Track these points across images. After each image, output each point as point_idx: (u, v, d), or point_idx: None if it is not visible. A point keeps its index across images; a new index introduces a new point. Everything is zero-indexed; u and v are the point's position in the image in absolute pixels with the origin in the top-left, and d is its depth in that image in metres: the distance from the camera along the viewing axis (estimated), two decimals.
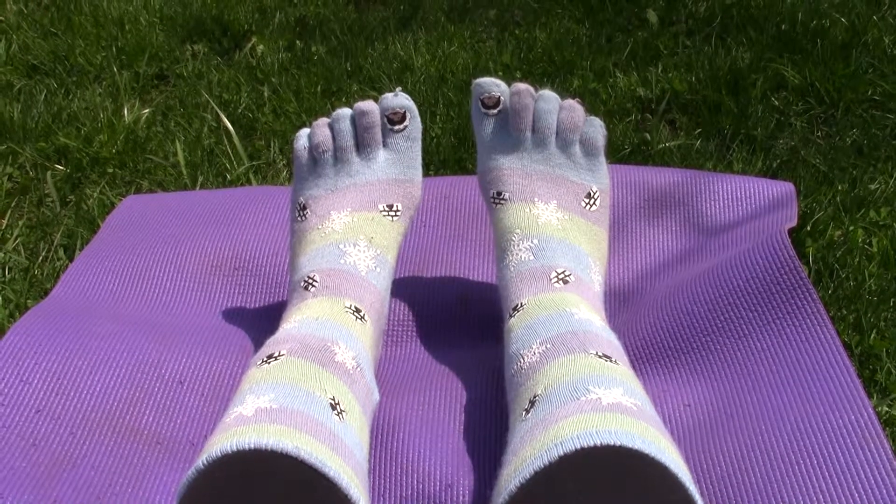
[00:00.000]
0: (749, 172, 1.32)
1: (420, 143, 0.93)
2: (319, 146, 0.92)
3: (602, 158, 0.91)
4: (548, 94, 0.90)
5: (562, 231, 0.88)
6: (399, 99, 0.91)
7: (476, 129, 0.93)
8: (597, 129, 0.90)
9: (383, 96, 0.92)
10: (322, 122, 0.93)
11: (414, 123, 0.92)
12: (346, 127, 0.91)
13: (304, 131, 0.94)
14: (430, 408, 0.84)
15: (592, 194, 0.91)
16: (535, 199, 0.90)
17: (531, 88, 0.90)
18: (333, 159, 0.92)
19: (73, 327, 0.94)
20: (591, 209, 0.91)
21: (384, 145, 0.92)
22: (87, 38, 1.89)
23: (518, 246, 0.88)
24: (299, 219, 0.92)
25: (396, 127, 0.91)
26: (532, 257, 0.87)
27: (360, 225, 0.90)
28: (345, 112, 0.92)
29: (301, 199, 0.92)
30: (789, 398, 0.77)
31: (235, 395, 0.72)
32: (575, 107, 0.90)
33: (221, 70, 1.77)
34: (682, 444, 0.77)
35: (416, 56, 1.72)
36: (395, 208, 0.92)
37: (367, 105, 0.91)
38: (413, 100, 0.93)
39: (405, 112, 0.91)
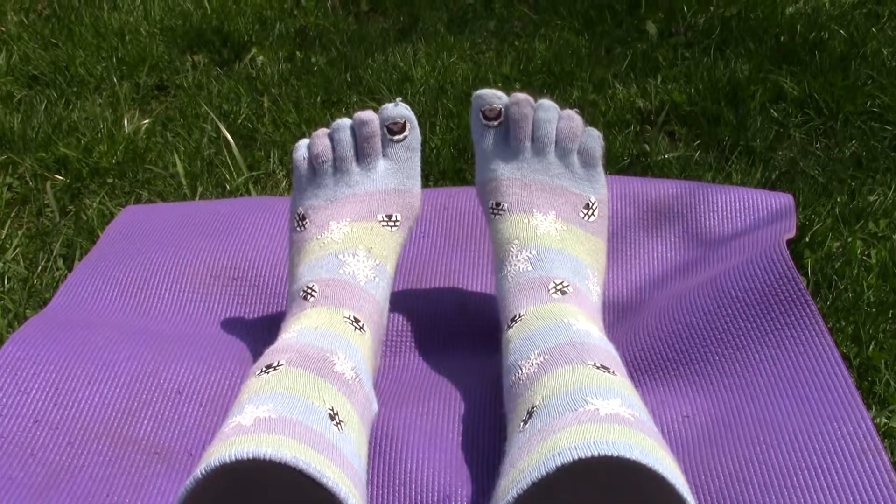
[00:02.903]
0: (748, 184, 1.32)
1: (420, 153, 0.93)
2: (319, 156, 0.92)
3: (600, 169, 0.91)
4: (547, 103, 0.90)
5: (560, 242, 0.88)
6: (399, 109, 0.91)
7: (476, 140, 0.93)
8: (595, 140, 0.90)
9: (383, 106, 0.92)
10: (321, 133, 0.93)
11: (413, 134, 0.92)
12: (345, 137, 0.91)
13: (304, 142, 0.94)
14: (428, 418, 0.84)
15: (591, 205, 0.91)
16: (534, 210, 0.90)
17: (530, 98, 0.90)
18: (333, 169, 0.92)
19: (71, 337, 0.94)
20: (590, 220, 0.91)
21: (384, 155, 0.92)
22: (88, 49, 1.89)
23: (516, 257, 0.88)
24: (298, 229, 0.92)
25: (396, 137, 0.91)
26: (530, 268, 0.87)
27: (359, 235, 0.90)
28: (344, 122, 0.92)
29: (300, 209, 0.92)
30: (787, 409, 0.77)
31: (234, 405, 0.72)
32: (573, 116, 0.90)
33: (221, 81, 1.77)
34: (680, 455, 0.77)
35: (416, 67, 1.73)
36: (394, 218, 0.92)
37: (367, 115, 0.91)
38: (413, 111, 0.93)
39: (405, 122, 0.91)
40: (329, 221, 0.90)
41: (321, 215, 0.91)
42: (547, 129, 0.90)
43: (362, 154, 0.92)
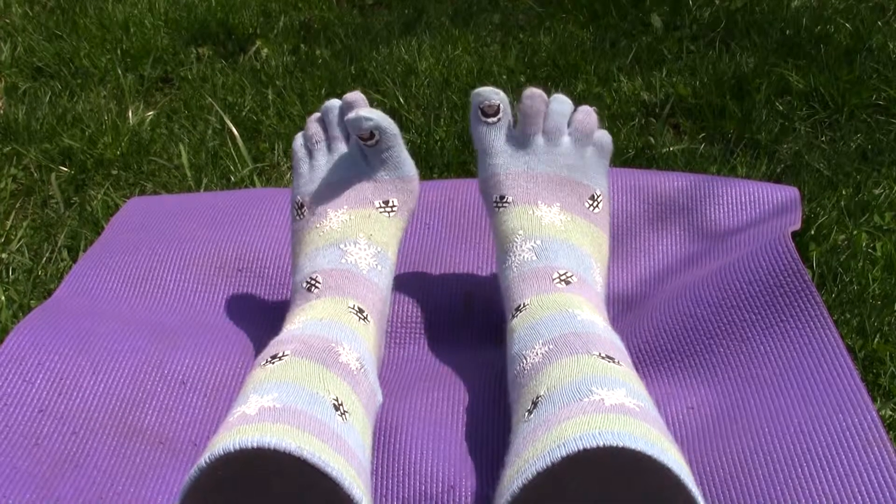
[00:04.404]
0: (753, 177, 1.32)
1: (399, 142, 0.92)
2: (312, 137, 0.93)
3: (608, 165, 0.92)
4: (561, 97, 0.91)
5: (564, 232, 0.88)
6: (358, 122, 0.89)
7: (476, 137, 0.93)
8: (608, 139, 0.92)
9: (346, 118, 0.90)
10: (313, 117, 0.95)
11: (385, 136, 0.90)
12: (335, 118, 0.92)
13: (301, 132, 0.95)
14: (432, 409, 0.84)
15: (596, 197, 0.91)
16: (539, 202, 0.90)
17: (544, 94, 0.90)
18: (327, 149, 0.93)
19: (76, 328, 0.94)
20: (595, 211, 0.91)
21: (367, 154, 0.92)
22: (92, 41, 1.89)
23: (521, 247, 0.88)
24: (297, 218, 0.92)
25: (368, 143, 0.91)
26: (535, 257, 0.87)
27: (358, 223, 0.90)
28: (334, 103, 0.93)
29: (298, 197, 0.93)
30: (793, 401, 0.77)
31: (239, 395, 0.72)
32: (591, 112, 0.91)
33: (226, 73, 1.77)
34: (685, 446, 0.77)
35: (421, 60, 1.72)
36: (391, 204, 0.92)
37: (354, 96, 0.91)
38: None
39: (370, 131, 0.90)
40: (327, 210, 0.91)
41: (318, 202, 0.91)
42: (559, 121, 0.90)
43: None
